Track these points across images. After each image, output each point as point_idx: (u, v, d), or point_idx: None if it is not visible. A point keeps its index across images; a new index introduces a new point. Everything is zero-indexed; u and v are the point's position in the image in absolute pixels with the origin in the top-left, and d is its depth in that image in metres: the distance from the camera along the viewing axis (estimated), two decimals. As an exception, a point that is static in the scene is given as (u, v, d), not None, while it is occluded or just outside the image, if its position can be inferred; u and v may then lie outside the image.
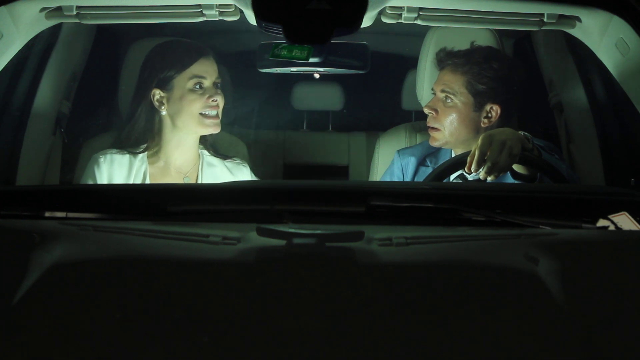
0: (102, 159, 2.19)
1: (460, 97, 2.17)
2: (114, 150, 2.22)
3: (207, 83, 2.19)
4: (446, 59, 2.23)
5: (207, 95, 2.18)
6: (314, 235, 1.31)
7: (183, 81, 2.18)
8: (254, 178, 2.32)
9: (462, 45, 2.25)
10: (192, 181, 2.23)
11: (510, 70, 2.23)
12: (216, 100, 2.18)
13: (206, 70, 2.20)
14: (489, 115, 2.18)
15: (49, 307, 0.99)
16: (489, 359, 0.88)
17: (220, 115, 2.20)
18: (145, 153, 2.22)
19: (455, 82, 2.18)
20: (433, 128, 2.20)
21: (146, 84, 2.21)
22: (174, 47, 2.25)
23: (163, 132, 2.22)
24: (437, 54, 2.27)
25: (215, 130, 2.20)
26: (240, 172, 2.30)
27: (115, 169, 2.18)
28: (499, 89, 2.18)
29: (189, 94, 2.17)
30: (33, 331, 0.92)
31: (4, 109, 2.26)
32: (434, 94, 2.23)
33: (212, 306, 0.98)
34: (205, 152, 2.29)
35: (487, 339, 0.92)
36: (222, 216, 1.39)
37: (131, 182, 2.17)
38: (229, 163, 2.31)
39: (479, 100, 2.17)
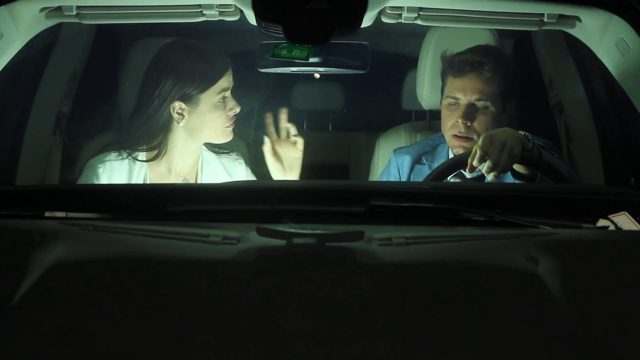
0: (100, 168, 2.12)
1: (495, 102, 2.13)
2: (112, 156, 2.14)
3: (228, 94, 2.14)
4: (472, 64, 2.15)
5: (228, 108, 2.14)
6: (314, 235, 1.31)
7: (210, 96, 2.11)
8: (251, 175, 2.31)
9: (462, 45, 2.25)
10: (192, 181, 2.20)
11: (518, 67, 2.24)
12: (235, 111, 2.15)
13: (229, 81, 2.14)
14: (508, 114, 2.18)
15: (49, 307, 0.99)
16: (489, 359, 0.88)
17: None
18: (145, 156, 2.15)
19: (490, 89, 2.13)
20: (466, 137, 2.13)
21: (162, 90, 2.10)
22: (198, 56, 2.13)
23: (173, 140, 2.15)
24: (453, 59, 2.19)
25: (231, 137, 2.17)
26: (235, 169, 2.27)
27: (115, 174, 2.12)
28: (514, 87, 2.18)
29: (214, 109, 2.12)
30: (33, 331, 0.92)
31: (4, 109, 2.26)
32: (457, 102, 2.15)
33: (212, 306, 0.98)
34: (204, 147, 2.24)
35: (487, 339, 0.92)
36: (222, 216, 1.39)
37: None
38: (224, 159, 2.27)
39: (505, 101, 2.16)
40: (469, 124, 2.12)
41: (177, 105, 2.10)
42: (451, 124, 2.15)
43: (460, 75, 2.16)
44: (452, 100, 2.16)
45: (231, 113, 2.14)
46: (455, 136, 2.14)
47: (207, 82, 2.10)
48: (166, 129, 2.14)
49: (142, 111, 2.14)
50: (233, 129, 2.17)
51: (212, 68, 2.12)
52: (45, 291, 1.03)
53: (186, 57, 2.14)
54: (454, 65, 2.18)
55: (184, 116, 2.11)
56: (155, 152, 2.15)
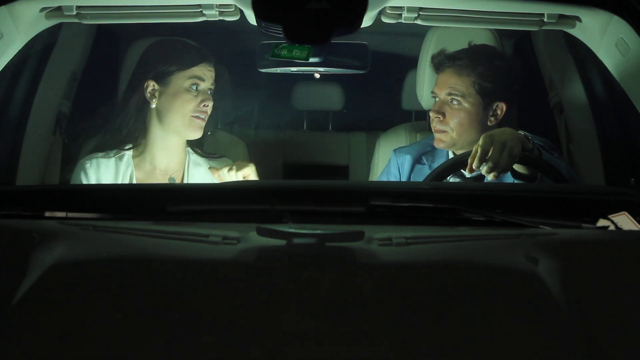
0: (87, 164, 2.16)
1: (468, 98, 2.16)
2: (99, 154, 2.19)
3: (202, 86, 2.18)
4: (446, 61, 2.21)
5: (200, 99, 2.17)
6: (314, 235, 1.31)
7: (181, 79, 2.17)
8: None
9: (463, 45, 2.25)
10: (178, 181, 2.22)
11: (511, 67, 2.24)
12: (207, 106, 2.18)
13: (205, 74, 2.19)
14: (495, 113, 2.19)
15: (49, 307, 0.99)
16: (489, 359, 0.88)
17: (206, 121, 2.20)
18: (131, 153, 2.19)
19: (462, 84, 2.17)
20: (440, 131, 2.19)
21: (141, 78, 2.19)
22: (177, 45, 2.24)
23: (150, 129, 2.20)
24: (435, 56, 2.26)
25: (198, 134, 2.20)
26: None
27: (102, 173, 2.16)
28: (503, 86, 2.19)
29: (184, 93, 2.16)
30: (33, 331, 0.92)
31: (4, 109, 2.26)
32: (436, 97, 2.21)
33: (212, 306, 0.98)
34: (190, 150, 2.27)
35: (487, 339, 0.92)
36: (222, 216, 1.39)
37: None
38: (213, 162, 2.28)
39: (486, 99, 2.17)
40: (441, 118, 2.18)
41: (151, 84, 2.18)
42: (431, 118, 2.23)
43: (439, 72, 2.25)
44: (433, 96, 2.24)
45: (202, 105, 2.17)
46: (435, 130, 2.21)
47: (180, 64, 2.17)
48: (143, 115, 2.19)
49: (124, 103, 2.22)
50: (204, 125, 2.19)
51: (189, 54, 2.20)
52: (45, 291, 1.03)
53: (167, 47, 2.24)
54: (435, 63, 2.26)
55: (155, 97, 2.18)
56: (136, 145, 2.20)
